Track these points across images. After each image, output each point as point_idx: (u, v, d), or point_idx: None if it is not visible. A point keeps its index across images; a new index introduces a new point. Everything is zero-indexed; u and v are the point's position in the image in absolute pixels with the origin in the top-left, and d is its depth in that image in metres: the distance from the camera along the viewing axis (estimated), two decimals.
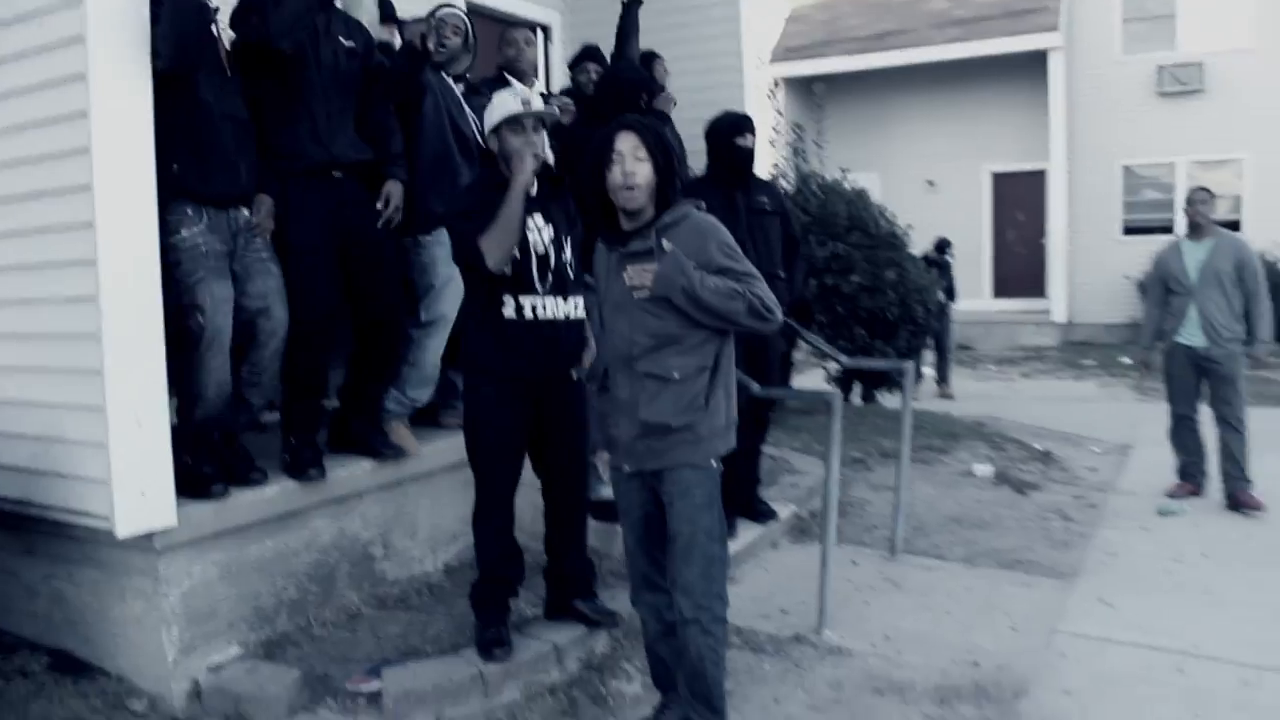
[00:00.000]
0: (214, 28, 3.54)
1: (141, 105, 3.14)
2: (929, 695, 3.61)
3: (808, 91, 17.18)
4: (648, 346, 2.97)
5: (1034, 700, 3.57)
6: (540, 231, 3.49)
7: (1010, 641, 4.09)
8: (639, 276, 2.92)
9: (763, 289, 2.93)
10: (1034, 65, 16.19)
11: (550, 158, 3.74)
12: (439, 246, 4.18)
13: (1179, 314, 6.19)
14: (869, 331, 8.12)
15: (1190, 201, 6.30)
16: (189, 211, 3.39)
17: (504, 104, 3.51)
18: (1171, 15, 16.05)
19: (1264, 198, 15.20)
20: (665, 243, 2.93)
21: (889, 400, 9.16)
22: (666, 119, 5.56)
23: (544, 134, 3.56)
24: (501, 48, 4.98)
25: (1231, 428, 6.10)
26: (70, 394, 3.19)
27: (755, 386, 4.28)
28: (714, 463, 3.02)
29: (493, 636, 3.52)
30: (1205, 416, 6.29)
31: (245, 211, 3.61)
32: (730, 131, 4.99)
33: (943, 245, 11.61)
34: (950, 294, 11.06)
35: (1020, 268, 17.40)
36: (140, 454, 3.13)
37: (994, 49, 16.35)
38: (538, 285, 3.48)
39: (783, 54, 17.89)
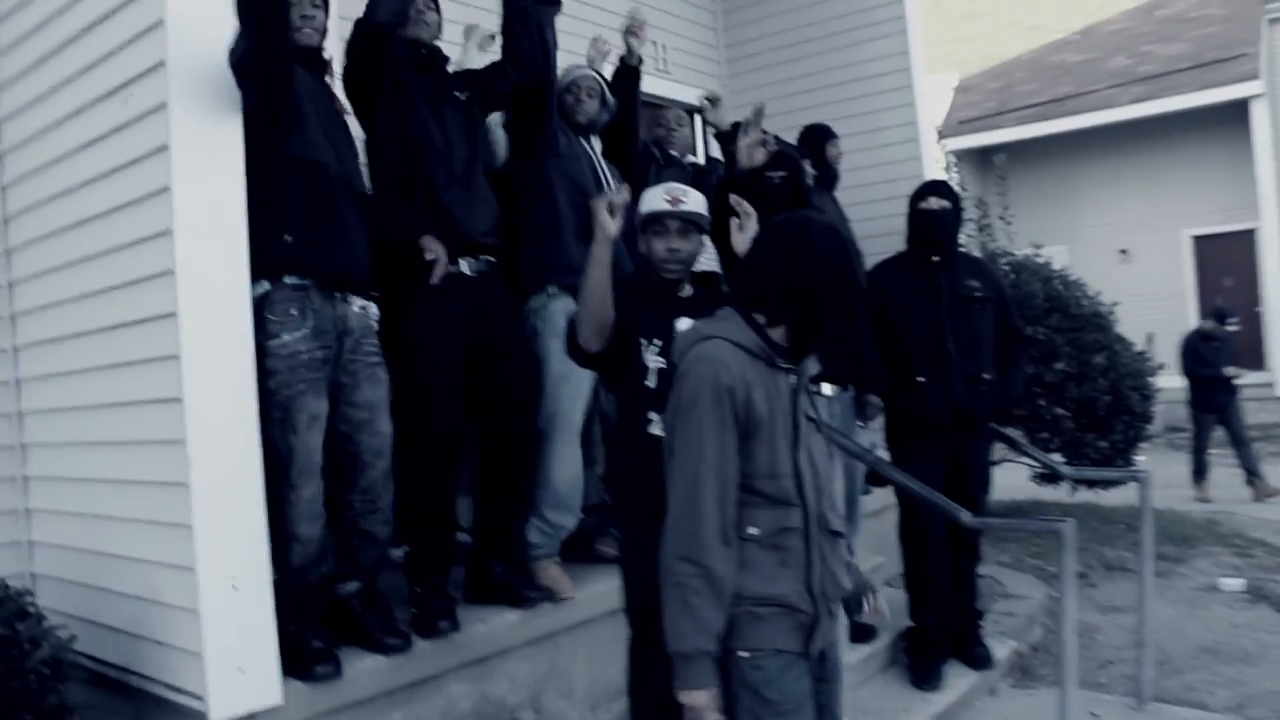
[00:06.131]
0: (326, 79, 3.22)
1: (234, 204, 2.74)
2: None
3: (985, 164, 16.27)
4: (829, 492, 2.43)
5: None
6: None
7: None
8: None
9: None
10: (1232, 117, 14.84)
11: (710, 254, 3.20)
12: (554, 337, 3.65)
13: None
14: (1078, 424, 7.18)
15: None
16: (294, 312, 2.92)
17: (650, 200, 3.00)
18: None
19: None
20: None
21: (1106, 497, 8.11)
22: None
23: (701, 238, 3.00)
24: (652, 127, 4.54)
25: None
26: (163, 550, 2.76)
27: (965, 515, 3.56)
28: None
29: None
30: None
31: (358, 304, 3.12)
32: (914, 197, 4.36)
33: (1223, 314, 10.20)
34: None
35: (1233, 338, 15.82)
36: (237, 622, 2.65)
37: (1186, 104, 15.08)
38: None
39: (954, 127, 17.06)
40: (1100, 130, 15.89)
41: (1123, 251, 16.15)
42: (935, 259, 4.29)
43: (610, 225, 2.89)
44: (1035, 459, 4.88)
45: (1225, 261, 15.85)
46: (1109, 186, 16.33)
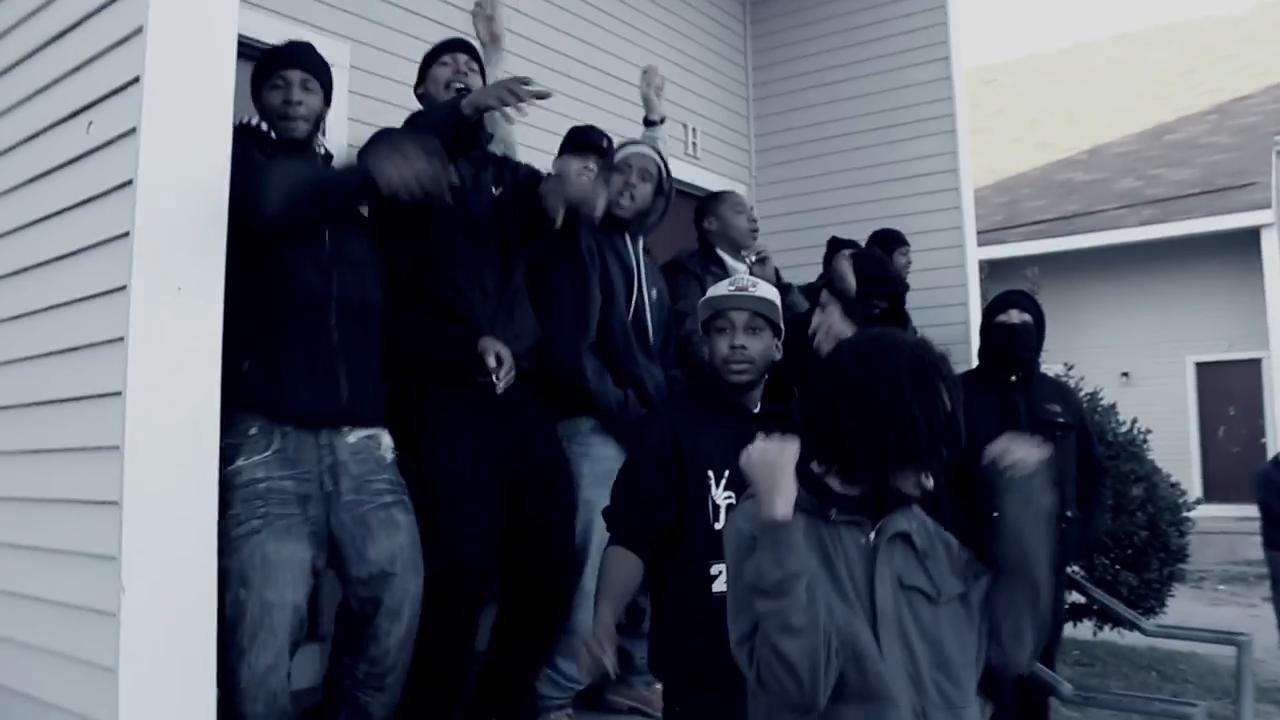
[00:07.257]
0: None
1: (212, 260, 2.18)
2: None
3: (992, 277, 15.92)
4: (940, 683, 1.78)
5: None
6: None
7: None
8: None
9: None
10: (1241, 244, 14.64)
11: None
12: (585, 460, 3.11)
13: None
14: (1110, 559, 6.63)
15: None
16: (252, 431, 2.35)
17: (712, 291, 2.50)
18: None
19: None
20: None
21: (1107, 635, 7.42)
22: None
23: (774, 338, 2.46)
24: (703, 219, 3.99)
25: None
26: (75, 697, 2.14)
27: (1066, 688, 2.98)
28: None
29: None
30: None
31: (355, 435, 2.54)
32: (990, 309, 3.87)
33: None
34: None
35: (1235, 469, 15.33)
36: None
37: (1195, 229, 14.86)
38: None
39: None
40: (1107, 250, 15.64)
41: (1124, 374, 15.80)
42: (1013, 379, 3.78)
43: (610, 665, 2.10)
44: (1110, 608, 4.30)
45: (1229, 390, 15.53)
46: (1113, 308, 16.06)
